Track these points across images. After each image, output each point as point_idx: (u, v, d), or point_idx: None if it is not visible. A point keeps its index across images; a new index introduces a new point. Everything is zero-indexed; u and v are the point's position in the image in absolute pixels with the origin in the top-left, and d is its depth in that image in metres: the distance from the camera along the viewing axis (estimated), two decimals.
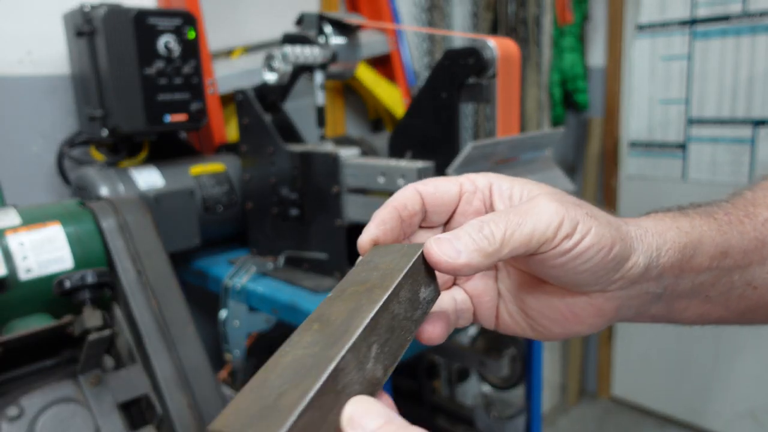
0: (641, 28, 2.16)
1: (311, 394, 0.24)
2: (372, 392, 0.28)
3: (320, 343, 0.27)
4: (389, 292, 0.29)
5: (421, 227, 0.41)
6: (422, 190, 0.39)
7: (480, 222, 0.34)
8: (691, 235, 0.40)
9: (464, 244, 0.33)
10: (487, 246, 0.33)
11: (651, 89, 2.19)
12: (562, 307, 0.39)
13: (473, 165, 0.79)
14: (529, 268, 0.39)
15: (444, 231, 0.41)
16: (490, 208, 0.39)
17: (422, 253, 0.33)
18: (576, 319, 0.39)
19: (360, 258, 0.36)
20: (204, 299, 1.28)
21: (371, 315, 0.28)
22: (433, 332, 0.37)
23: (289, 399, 0.24)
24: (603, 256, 0.35)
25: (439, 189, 0.39)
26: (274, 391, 0.25)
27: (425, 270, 0.33)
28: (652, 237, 0.38)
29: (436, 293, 0.34)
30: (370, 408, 0.26)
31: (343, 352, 0.26)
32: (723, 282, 0.42)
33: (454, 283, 0.42)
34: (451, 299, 0.41)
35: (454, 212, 0.40)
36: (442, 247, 0.33)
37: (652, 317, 0.43)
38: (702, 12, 2.00)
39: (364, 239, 0.37)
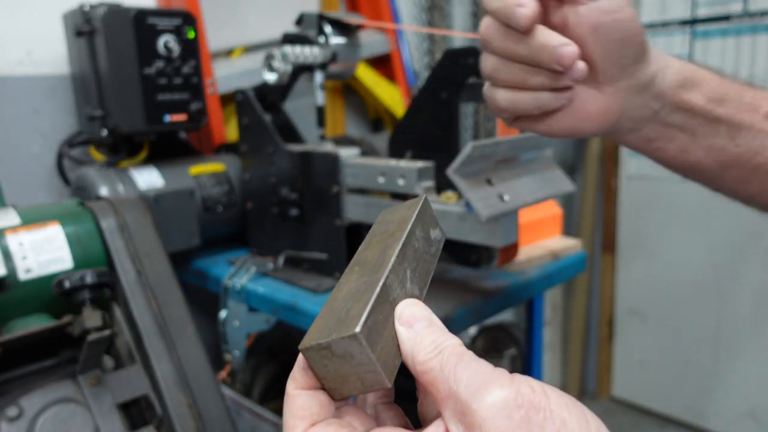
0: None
1: (372, 301, 0.30)
2: None
3: (366, 274, 0.33)
4: (407, 232, 0.36)
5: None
6: None
7: None
8: (695, 73, 0.48)
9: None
10: None
11: None
12: (581, 99, 0.47)
13: (473, 165, 0.79)
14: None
15: None
16: None
17: (425, 200, 0.39)
18: (586, 115, 0.47)
19: (376, 221, 0.42)
20: (204, 299, 1.28)
21: (399, 248, 0.34)
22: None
23: (356, 309, 0.30)
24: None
25: None
26: (342, 309, 0.31)
27: (430, 215, 0.40)
28: (660, 56, 0.47)
29: (443, 234, 0.41)
30: (415, 307, 0.31)
31: (386, 273, 0.32)
32: (711, 128, 0.49)
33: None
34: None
35: None
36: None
37: (645, 139, 0.51)
38: (702, 12, 2.00)
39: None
